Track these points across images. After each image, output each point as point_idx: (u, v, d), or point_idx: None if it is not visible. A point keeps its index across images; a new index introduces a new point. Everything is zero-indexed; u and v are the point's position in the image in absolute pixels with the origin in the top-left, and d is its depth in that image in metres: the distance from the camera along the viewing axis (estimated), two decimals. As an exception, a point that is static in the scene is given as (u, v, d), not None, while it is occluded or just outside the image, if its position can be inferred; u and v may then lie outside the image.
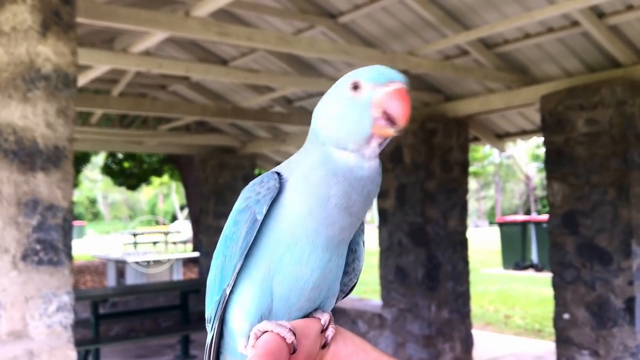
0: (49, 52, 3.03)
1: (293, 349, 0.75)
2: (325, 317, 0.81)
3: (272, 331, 0.76)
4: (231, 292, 0.84)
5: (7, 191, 2.91)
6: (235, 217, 0.85)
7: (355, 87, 0.81)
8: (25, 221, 2.94)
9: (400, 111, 0.79)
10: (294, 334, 0.76)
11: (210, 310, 0.88)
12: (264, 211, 0.82)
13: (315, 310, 0.84)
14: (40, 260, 2.98)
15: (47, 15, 3.04)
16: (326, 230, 0.79)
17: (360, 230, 0.87)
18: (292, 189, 0.82)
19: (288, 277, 0.81)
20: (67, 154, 3.09)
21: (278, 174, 0.84)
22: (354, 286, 0.91)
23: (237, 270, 0.83)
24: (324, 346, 0.80)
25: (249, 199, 0.84)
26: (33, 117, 2.98)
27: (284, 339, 0.75)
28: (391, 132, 0.79)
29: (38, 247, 2.97)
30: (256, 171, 11.77)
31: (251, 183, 0.86)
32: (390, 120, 0.79)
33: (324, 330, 0.80)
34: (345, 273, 0.88)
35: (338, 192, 0.78)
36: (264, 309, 0.81)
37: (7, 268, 2.90)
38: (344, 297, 0.91)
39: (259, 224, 0.82)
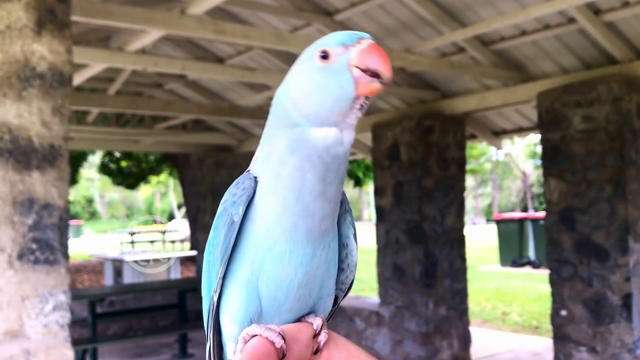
0: (44, 51, 3.02)
1: (282, 354, 0.72)
2: (317, 322, 0.78)
3: (260, 335, 0.73)
4: (220, 298, 0.82)
5: (2, 190, 2.90)
6: (215, 222, 0.82)
7: (325, 55, 0.76)
8: (21, 220, 2.93)
9: (382, 62, 0.75)
10: (284, 338, 0.73)
11: (205, 318, 0.86)
12: (241, 212, 0.79)
13: (309, 314, 0.80)
14: (37, 259, 2.97)
15: (42, 14, 3.03)
16: (305, 223, 0.76)
17: (349, 223, 0.84)
18: (264, 187, 0.78)
19: (273, 277, 0.77)
20: (62, 153, 3.08)
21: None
22: (352, 283, 0.88)
23: (220, 275, 0.80)
24: (316, 352, 0.77)
25: (226, 202, 0.81)
26: (28, 116, 2.97)
27: (272, 343, 0.72)
28: (378, 86, 0.75)
29: (34, 246, 2.97)
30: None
31: (230, 186, 0.83)
32: (373, 75, 0.75)
33: (316, 335, 0.77)
34: (340, 270, 0.84)
35: (313, 179, 0.75)
36: (253, 312, 0.78)
37: (3, 267, 2.89)
38: (344, 295, 0.88)
39: (237, 226, 0.79)
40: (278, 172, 0.77)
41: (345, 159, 0.77)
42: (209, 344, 0.85)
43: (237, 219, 0.79)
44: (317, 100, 0.75)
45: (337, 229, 0.83)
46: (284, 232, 0.76)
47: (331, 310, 0.87)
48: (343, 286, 0.86)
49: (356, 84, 0.75)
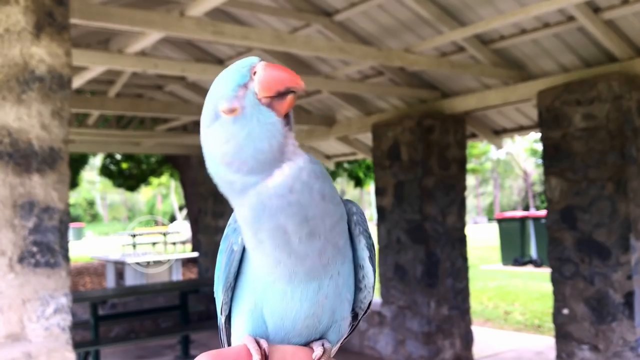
0: (43, 54, 3.02)
1: None
2: (317, 352, 0.75)
3: (244, 344, 0.73)
4: (230, 317, 0.82)
5: (2, 193, 2.90)
6: (220, 245, 0.80)
7: (230, 110, 0.71)
8: (22, 223, 2.93)
9: (287, 77, 0.71)
10: (266, 356, 0.72)
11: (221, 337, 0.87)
12: (240, 242, 0.77)
13: (319, 339, 0.78)
14: (37, 262, 2.97)
15: (40, 17, 3.03)
16: (303, 267, 0.73)
17: (364, 246, 0.81)
18: (250, 247, 0.75)
19: (277, 310, 0.75)
20: (62, 156, 3.08)
21: None
22: (370, 302, 0.85)
23: (225, 300, 0.80)
24: None
25: (229, 226, 0.79)
26: (28, 119, 2.97)
27: (249, 354, 0.71)
28: (293, 97, 0.71)
29: (35, 249, 2.96)
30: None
31: None
32: (285, 90, 0.71)
33: None
34: (359, 290, 0.83)
35: (295, 226, 0.70)
36: (261, 335, 0.77)
37: (4, 271, 2.89)
38: (364, 313, 0.86)
39: (237, 255, 0.77)
40: (258, 239, 0.73)
41: (316, 175, 0.72)
42: None
43: (237, 247, 0.78)
44: (251, 151, 0.71)
45: (353, 249, 0.81)
46: (282, 278, 0.74)
47: (350, 329, 0.85)
48: (362, 305, 0.84)
49: (274, 111, 0.71)
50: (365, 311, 0.85)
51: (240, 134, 0.71)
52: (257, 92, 0.72)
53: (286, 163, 0.71)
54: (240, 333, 0.79)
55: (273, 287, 0.75)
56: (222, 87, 0.72)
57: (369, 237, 0.81)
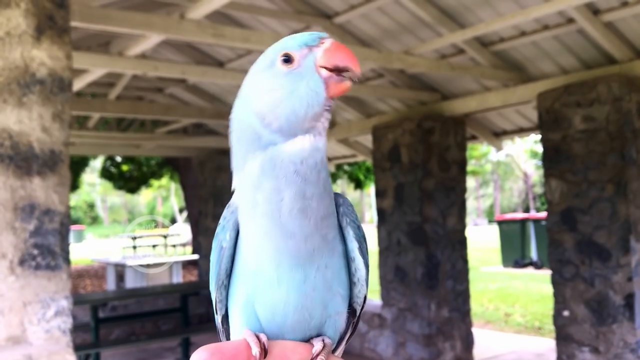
0: (43, 57, 3.03)
1: None
2: (317, 346, 0.75)
3: (244, 338, 0.73)
4: (227, 317, 0.82)
5: (3, 196, 2.90)
6: (213, 243, 0.81)
7: (287, 59, 0.72)
8: (22, 226, 2.94)
9: (350, 58, 0.72)
10: (265, 350, 0.72)
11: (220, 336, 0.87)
12: (228, 238, 0.78)
13: (319, 335, 0.78)
14: (38, 265, 2.97)
15: (41, 20, 3.04)
16: (287, 246, 0.73)
17: (352, 237, 0.80)
18: (244, 215, 0.76)
19: (267, 302, 0.75)
20: (63, 158, 3.08)
21: None
22: (365, 297, 0.84)
23: (217, 299, 0.81)
24: None
25: (219, 225, 0.80)
26: (29, 122, 2.98)
27: (248, 348, 0.71)
28: (348, 84, 0.72)
29: (35, 252, 2.97)
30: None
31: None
32: (342, 72, 0.72)
33: (313, 359, 0.74)
34: (353, 284, 0.82)
35: (291, 196, 0.71)
36: (255, 331, 0.76)
37: (5, 273, 2.89)
38: (361, 309, 0.85)
39: (227, 252, 0.78)
40: (254, 199, 0.73)
41: (324, 165, 0.73)
42: None
43: (225, 244, 0.78)
44: (288, 109, 0.71)
45: (344, 243, 0.80)
46: (269, 259, 0.74)
47: (351, 328, 0.85)
48: (358, 299, 0.83)
49: (326, 85, 0.72)
50: (362, 306, 0.84)
51: (285, 89, 0.72)
52: (318, 58, 0.73)
53: (311, 136, 0.72)
54: (238, 330, 0.79)
55: (262, 277, 0.75)
56: (289, 41, 0.74)
57: (357, 227, 0.81)
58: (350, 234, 0.80)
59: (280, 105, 0.72)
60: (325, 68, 0.73)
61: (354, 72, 0.72)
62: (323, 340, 0.76)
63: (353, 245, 0.80)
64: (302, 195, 0.71)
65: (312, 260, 0.75)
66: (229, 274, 0.80)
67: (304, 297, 0.75)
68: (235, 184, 0.79)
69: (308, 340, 0.77)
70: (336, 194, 0.80)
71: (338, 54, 0.72)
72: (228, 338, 0.85)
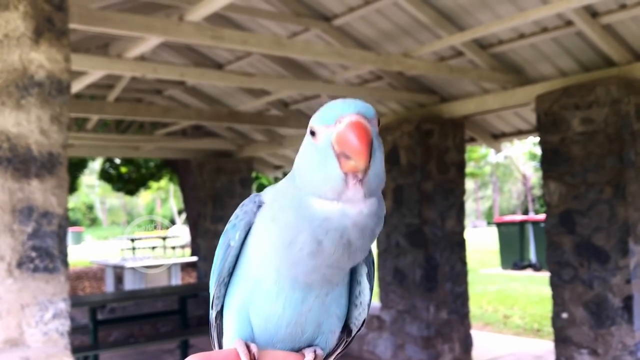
0: (42, 59, 3.03)
1: None
2: (309, 357, 0.75)
3: (234, 347, 0.74)
4: (222, 316, 0.83)
5: (1, 199, 2.90)
6: (220, 239, 0.82)
7: (312, 132, 0.75)
8: (20, 228, 2.94)
9: (355, 148, 0.70)
10: (255, 359, 0.72)
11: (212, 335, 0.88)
12: (237, 238, 0.78)
13: (310, 346, 0.79)
14: (36, 267, 2.97)
15: (39, 22, 3.04)
16: (289, 273, 0.74)
17: (363, 262, 0.80)
18: (263, 220, 0.77)
19: (261, 311, 0.77)
20: (61, 161, 3.08)
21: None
22: (364, 320, 0.85)
23: (216, 295, 0.81)
24: None
25: (231, 222, 0.80)
26: (27, 124, 2.97)
27: (238, 358, 0.72)
28: (354, 165, 0.71)
29: (33, 254, 2.97)
30: (253, 174, 11.78)
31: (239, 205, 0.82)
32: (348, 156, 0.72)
33: None
34: (354, 306, 0.83)
35: (306, 239, 0.72)
36: (246, 337, 0.78)
37: (3, 276, 2.89)
38: (358, 330, 0.85)
39: (234, 251, 0.79)
40: (276, 217, 0.75)
41: (361, 230, 0.72)
42: None
43: (234, 243, 0.79)
44: (309, 175, 0.74)
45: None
46: (272, 274, 0.75)
47: (343, 345, 0.85)
48: (356, 321, 0.84)
49: (340, 162, 0.72)
50: (359, 328, 0.85)
51: (310, 159, 0.75)
52: (332, 139, 0.73)
53: (340, 203, 0.72)
54: (229, 332, 0.80)
55: (261, 287, 0.76)
56: (318, 114, 0.76)
57: (369, 252, 0.81)
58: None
59: (305, 169, 0.75)
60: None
61: (357, 165, 0.71)
62: (315, 351, 0.77)
63: (362, 270, 0.81)
64: (319, 244, 0.72)
65: (311, 290, 0.76)
66: (231, 273, 0.81)
67: (298, 315, 0.76)
68: (277, 184, 0.80)
69: (299, 349, 0.78)
70: None
71: (347, 142, 0.71)
72: (220, 334, 0.85)
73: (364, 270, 0.81)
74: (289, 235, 0.73)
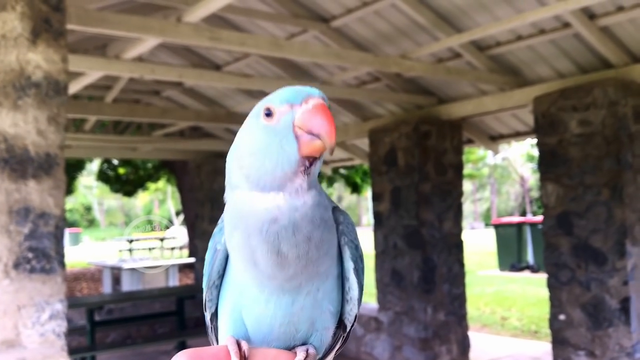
0: (39, 60, 3.03)
1: None
2: (300, 356, 0.75)
3: (225, 345, 0.73)
4: (217, 317, 0.83)
5: (-2, 199, 2.89)
6: (209, 242, 0.82)
7: (269, 113, 0.72)
8: (17, 229, 2.93)
9: (326, 127, 0.70)
10: (245, 358, 0.71)
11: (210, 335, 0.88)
12: (223, 241, 0.78)
13: (303, 344, 0.78)
14: (33, 268, 2.96)
15: (37, 23, 3.03)
16: (270, 283, 0.73)
17: (349, 257, 0.80)
18: (227, 244, 0.76)
19: (253, 313, 0.76)
20: (58, 162, 3.08)
21: None
22: (356, 316, 0.84)
23: (206, 298, 0.81)
24: None
25: (217, 225, 0.80)
26: (24, 125, 2.97)
27: (228, 355, 0.71)
28: (320, 144, 0.70)
29: (30, 255, 2.96)
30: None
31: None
32: (316, 134, 0.71)
33: None
34: (345, 301, 0.82)
35: (263, 251, 0.70)
36: (240, 337, 0.77)
37: (-1, 276, 2.88)
38: (351, 326, 0.85)
39: (221, 254, 0.78)
40: (230, 243, 0.74)
41: (310, 221, 0.71)
42: None
43: (220, 247, 0.78)
44: (258, 163, 0.71)
45: (341, 262, 0.80)
46: (254, 285, 0.74)
47: (341, 341, 0.85)
48: (349, 317, 0.83)
49: (299, 144, 0.71)
50: (353, 323, 0.84)
51: (261, 142, 0.72)
52: (296, 118, 0.72)
53: (286, 195, 0.71)
54: (224, 333, 0.80)
55: (249, 292, 0.75)
56: (277, 95, 0.74)
57: (355, 247, 0.80)
58: (347, 254, 0.80)
59: (253, 156, 0.72)
60: (301, 129, 0.72)
61: (325, 142, 0.70)
62: (307, 350, 0.76)
63: (349, 266, 0.80)
64: (276, 253, 0.70)
65: (300, 290, 0.75)
66: (222, 275, 0.81)
67: (291, 315, 0.76)
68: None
69: (293, 348, 0.77)
70: (336, 210, 0.80)
71: (316, 119, 0.71)
72: (217, 335, 0.85)
73: (350, 266, 0.80)
74: (247, 255, 0.72)
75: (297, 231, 0.70)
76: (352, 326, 0.85)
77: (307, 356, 0.75)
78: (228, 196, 0.75)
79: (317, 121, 0.71)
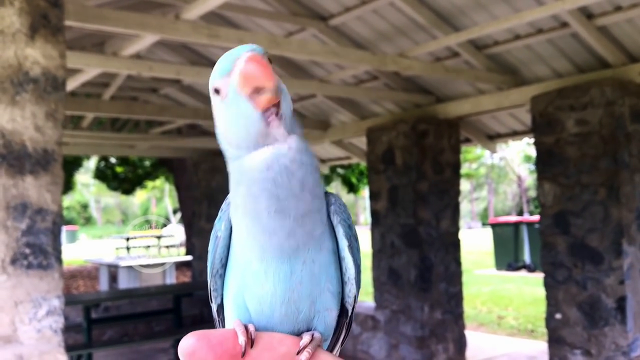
0: (37, 55, 3.02)
1: (243, 352, 0.73)
2: (305, 339, 0.76)
3: (232, 328, 0.75)
4: (223, 306, 0.84)
5: (-5, 195, 2.89)
6: (211, 234, 0.84)
7: (216, 90, 0.77)
8: (14, 225, 2.93)
9: (260, 78, 0.73)
10: (252, 340, 0.73)
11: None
12: (223, 228, 0.81)
13: (309, 330, 0.79)
14: (30, 264, 2.96)
15: (35, 18, 3.03)
16: (270, 242, 0.75)
17: (342, 235, 0.81)
18: (232, 214, 0.80)
19: (255, 294, 0.78)
20: (56, 158, 3.07)
21: None
22: (356, 297, 0.85)
23: (212, 288, 0.83)
24: None
25: (218, 216, 0.83)
26: (22, 121, 2.97)
27: (236, 337, 0.73)
28: (269, 96, 0.73)
29: (27, 251, 2.96)
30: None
31: None
32: (260, 87, 0.74)
33: (299, 351, 0.75)
34: (344, 283, 0.83)
35: (265, 200, 0.74)
36: (245, 322, 0.78)
37: (-4, 272, 2.88)
38: (352, 309, 0.85)
39: (222, 242, 0.81)
40: (235, 201, 0.78)
41: (301, 164, 0.75)
42: None
43: (220, 234, 0.82)
44: (233, 135, 0.77)
45: (335, 241, 0.81)
46: (255, 252, 0.77)
47: (345, 327, 0.86)
48: (348, 299, 0.84)
49: (253, 102, 0.74)
50: (354, 306, 0.85)
51: (225, 116, 0.77)
52: (236, 87, 0.75)
53: (270, 146, 0.75)
54: (230, 321, 0.81)
55: (250, 269, 0.78)
56: (215, 71, 0.77)
57: (348, 226, 0.82)
58: (340, 232, 0.82)
59: (227, 132, 0.78)
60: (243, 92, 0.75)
61: (266, 88, 0.73)
62: (312, 335, 0.77)
63: (343, 244, 0.82)
64: (276, 198, 0.74)
65: (298, 254, 0.77)
66: (224, 264, 0.83)
67: (290, 291, 0.77)
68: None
69: (298, 334, 0.78)
70: (329, 194, 0.82)
71: (248, 78, 0.74)
72: (223, 327, 0.86)
73: (344, 244, 0.82)
74: (251, 206, 0.75)
75: (291, 176, 0.74)
76: (353, 310, 0.86)
77: (312, 339, 0.76)
78: (230, 166, 0.80)
79: (250, 79, 0.74)
